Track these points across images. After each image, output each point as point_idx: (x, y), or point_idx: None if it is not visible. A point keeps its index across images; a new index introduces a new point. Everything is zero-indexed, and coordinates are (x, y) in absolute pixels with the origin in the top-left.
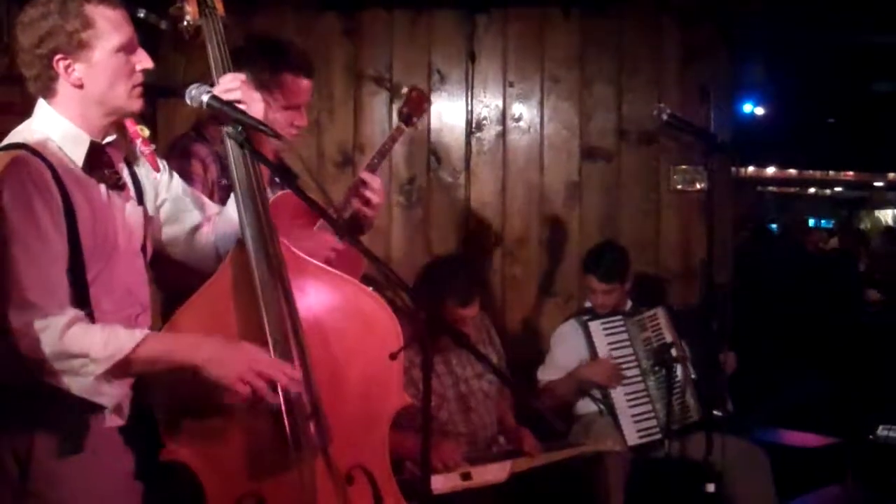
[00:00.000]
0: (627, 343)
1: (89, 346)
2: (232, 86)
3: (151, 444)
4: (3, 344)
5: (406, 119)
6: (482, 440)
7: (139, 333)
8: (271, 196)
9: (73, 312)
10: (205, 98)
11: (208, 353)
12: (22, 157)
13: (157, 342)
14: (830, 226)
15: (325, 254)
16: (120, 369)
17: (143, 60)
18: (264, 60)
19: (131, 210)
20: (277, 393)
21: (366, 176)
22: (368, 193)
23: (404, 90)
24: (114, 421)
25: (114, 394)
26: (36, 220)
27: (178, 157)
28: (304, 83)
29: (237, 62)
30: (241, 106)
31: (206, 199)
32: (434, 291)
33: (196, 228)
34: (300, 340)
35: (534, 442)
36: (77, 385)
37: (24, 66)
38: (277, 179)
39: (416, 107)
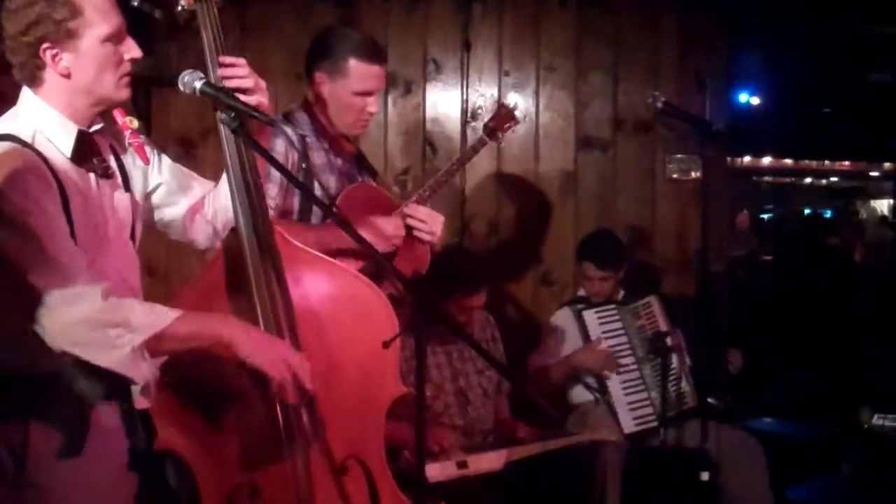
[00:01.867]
0: (622, 331)
1: (129, 315)
2: (240, 72)
3: (148, 434)
4: (10, 328)
5: (490, 133)
6: (478, 433)
7: (177, 311)
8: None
9: (105, 282)
10: (198, 84)
11: (246, 333)
12: (13, 147)
13: (196, 317)
14: (827, 216)
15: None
16: (156, 343)
17: (132, 50)
18: (333, 46)
19: (120, 197)
20: (296, 392)
21: (411, 209)
22: (417, 225)
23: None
24: (141, 402)
25: (146, 371)
26: (40, 202)
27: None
28: (374, 69)
29: (308, 53)
30: (244, 90)
31: (200, 179)
32: (440, 282)
33: (192, 210)
34: (293, 329)
35: (528, 433)
36: (111, 358)
37: (10, 53)
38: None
39: (502, 122)
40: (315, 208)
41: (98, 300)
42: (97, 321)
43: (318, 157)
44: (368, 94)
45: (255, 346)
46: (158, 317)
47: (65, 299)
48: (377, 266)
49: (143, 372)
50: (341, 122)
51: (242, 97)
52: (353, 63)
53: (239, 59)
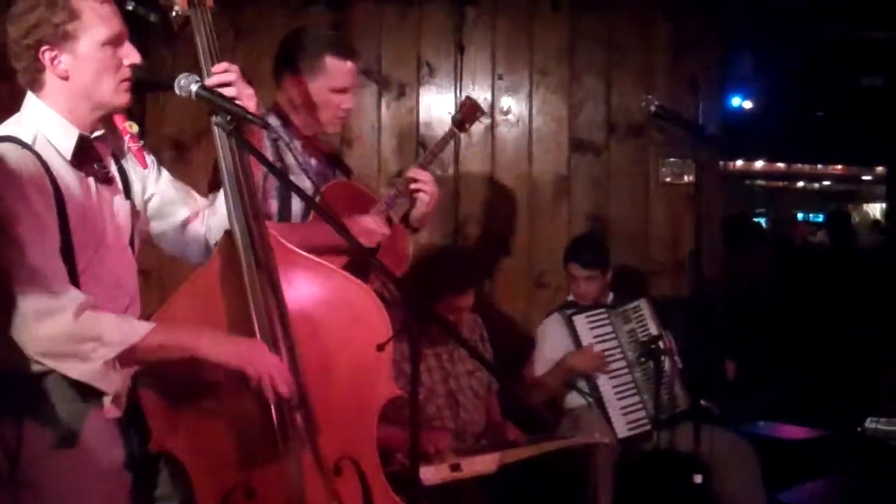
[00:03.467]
0: (612, 335)
1: (102, 330)
2: (226, 78)
3: (142, 435)
4: (5, 330)
5: (459, 125)
6: (470, 436)
7: (149, 323)
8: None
9: (81, 295)
10: (194, 88)
11: (214, 341)
12: (12, 149)
13: (166, 329)
14: (819, 220)
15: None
16: (128, 356)
17: (131, 55)
18: (306, 45)
19: (119, 204)
20: (274, 390)
21: (415, 172)
22: (421, 187)
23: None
24: (112, 412)
25: (117, 382)
26: (32, 206)
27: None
28: (347, 65)
29: (279, 52)
30: (230, 95)
31: (194, 193)
32: (429, 282)
33: (186, 222)
34: (287, 330)
35: (518, 434)
36: (83, 370)
37: (14, 57)
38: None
39: (469, 115)
40: (293, 212)
41: (70, 317)
42: (70, 335)
43: (290, 159)
44: (344, 90)
45: (224, 350)
46: (132, 330)
47: (38, 312)
48: (367, 264)
49: (114, 384)
50: (318, 121)
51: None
52: (330, 60)
53: (232, 66)
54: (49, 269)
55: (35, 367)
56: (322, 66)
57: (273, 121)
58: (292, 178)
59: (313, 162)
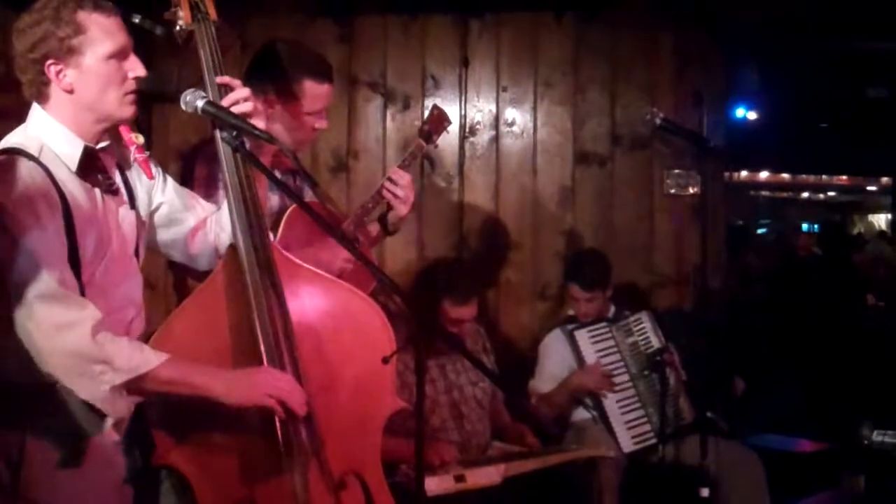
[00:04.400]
0: (615, 349)
1: (115, 355)
2: (240, 95)
3: (144, 448)
4: (11, 343)
5: (426, 137)
6: (474, 448)
7: (163, 355)
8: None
9: (99, 313)
10: (199, 104)
11: (225, 384)
12: (19, 161)
13: (179, 365)
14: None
15: (340, 265)
16: (137, 385)
17: (136, 68)
18: (284, 68)
19: (124, 214)
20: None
21: (393, 172)
22: (395, 189)
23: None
24: (111, 436)
25: (121, 408)
26: (41, 218)
27: (208, 160)
28: (325, 88)
29: (253, 69)
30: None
31: (202, 201)
32: (431, 293)
33: (194, 230)
34: (292, 345)
35: (534, 438)
36: (89, 391)
37: (19, 70)
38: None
39: (437, 125)
40: None
41: (88, 334)
42: (83, 354)
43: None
44: (319, 112)
45: (236, 392)
46: (143, 360)
47: (57, 325)
48: (378, 281)
49: (118, 408)
50: (289, 140)
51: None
52: (308, 84)
53: (235, 80)
54: (64, 281)
55: (40, 379)
56: (300, 89)
57: None
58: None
59: (278, 176)
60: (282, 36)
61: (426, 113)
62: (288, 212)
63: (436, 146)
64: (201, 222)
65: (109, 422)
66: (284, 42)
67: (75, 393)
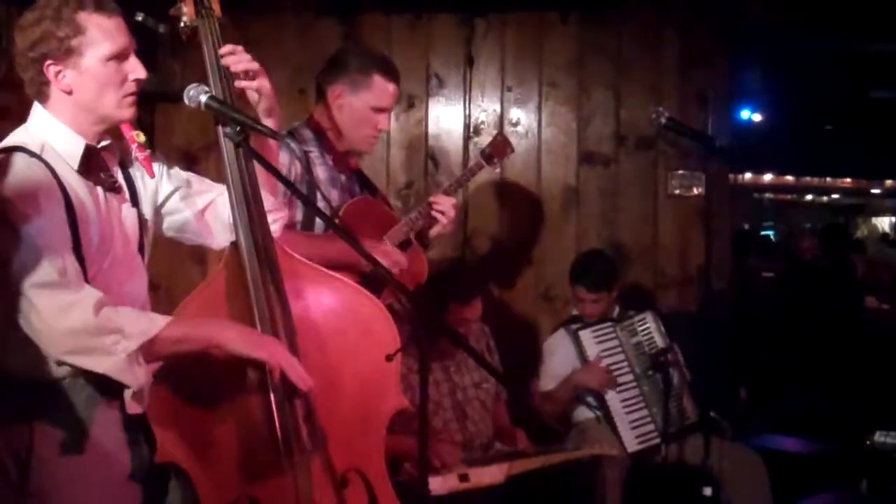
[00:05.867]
0: (619, 349)
1: (123, 322)
2: (243, 57)
3: (151, 444)
4: (18, 338)
5: (487, 159)
6: (477, 448)
7: (168, 317)
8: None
9: (99, 292)
10: (203, 98)
11: (238, 331)
12: (22, 159)
13: (188, 320)
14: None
15: (388, 265)
16: (150, 349)
17: (137, 70)
18: (357, 61)
19: (127, 212)
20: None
21: (438, 198)
22: (443, 210)
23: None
24: (133, 408)
25: (140, 377)
26: (44, 213)
27: None
28: (392, 87)
29: (328, 65)
30: (252, 74)
31: (210, 182)
32: (436, 293)
33: (204, 211)
34: (293, 342)
35: (528, 442)
36: (107, 364)
37: (20, 69)
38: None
39: (499, 151)
40: (318, 221)
41: (91, 309)
42: (92, 329)
43: (322, 172)
44: (384, 110)
45: (247, 340)
46: (151, 322)
47: (59, 308)
48: (381, 279)
49: (137, 377)
50: (353, 137)
51: (247, 86)
52: (377, 78)
53: (237, 46)
54: (66, 269)
55: (46, 374)
56: (369, 82)
57: (307, 134)
58: (325, 190)
59: (342, 177)
60: (289, 35)
61: (431, 113)
62: (345, 206)
63: (494, 169)
64: (211, 203)
65: (129, 394)
66: (359, 44)
67: (93, 371)
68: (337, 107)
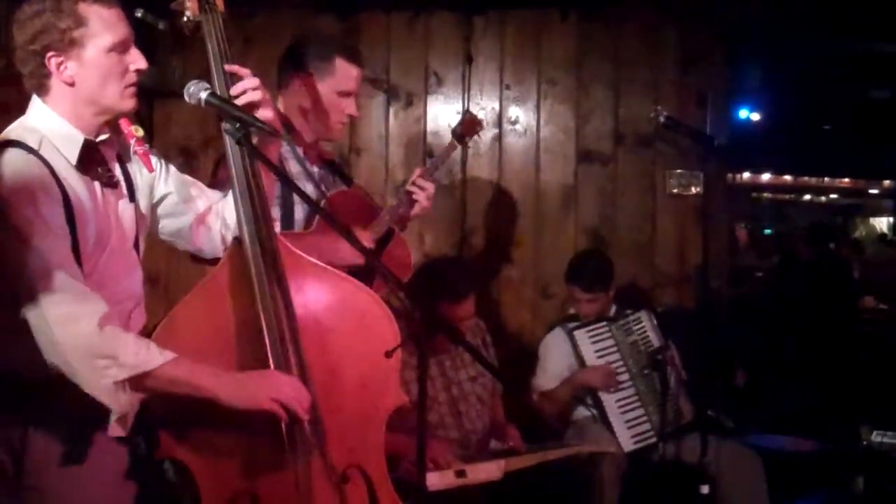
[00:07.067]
0: (614, 349)
1: (120, 350)
2: (249, 84)
3: (148, 441)
4: (14, 334)
5: (459, 138)
6: (474, 444)
7: (169, 354)
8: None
9: (105, 305)
10: (203, 95)
11: (232, 386)
12: (19, 155)
13: (184, 365)
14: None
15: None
16: (140, 382)
17: (138, 61)
18: (317, 48)
19: (124, 208)
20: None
21: (419, 181)
22: (419, 196)
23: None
24: (115, 431)
25: (124, 403)
26: (43, 211)
27: None
28: (355, 70)
29: (286, 55)
30: (255, 105)
31: (206, 189)
32: (428, 291)
33: (199, 217)
34: (296, 338)
35: (519, 440)
36: (93, 385)
37: (20, 62)
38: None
39: (469, 129)
40: (296, 219)
41: (95, 326)
42: (89, 348)
43: (293, 166)
44: (350, 94)
45: (240, 396)
46: (150, 357)
47: (63, 318)
48: (372, 273)
49: (121, 404)
50: (322, 125)
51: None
52: (339, 62)
53: (245, 69)
54: (70, 273)
55: (45, 372)
56: (331, 67)
57: None
58: (298, 185)
59: (315, 169)
60: (289, 31)
61: (429, 110)
62: (331, 196)
63: (467, 148)
64: (206, 211)
65: (113, 418)
66: (317, 32)
67: (78, 384)
68: (302, 96)
